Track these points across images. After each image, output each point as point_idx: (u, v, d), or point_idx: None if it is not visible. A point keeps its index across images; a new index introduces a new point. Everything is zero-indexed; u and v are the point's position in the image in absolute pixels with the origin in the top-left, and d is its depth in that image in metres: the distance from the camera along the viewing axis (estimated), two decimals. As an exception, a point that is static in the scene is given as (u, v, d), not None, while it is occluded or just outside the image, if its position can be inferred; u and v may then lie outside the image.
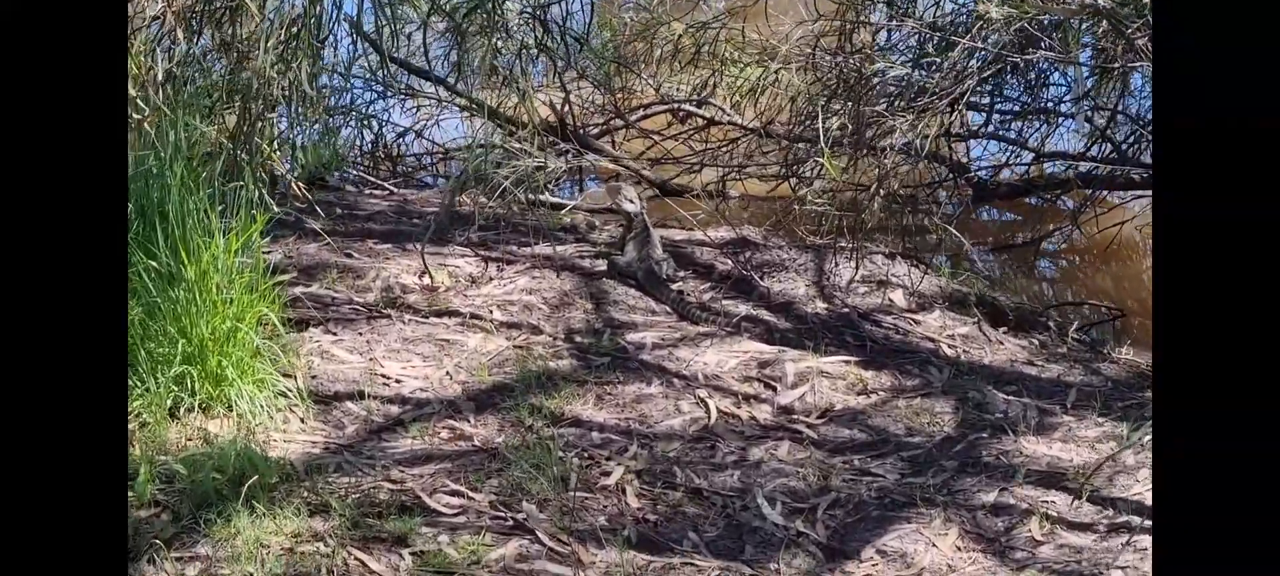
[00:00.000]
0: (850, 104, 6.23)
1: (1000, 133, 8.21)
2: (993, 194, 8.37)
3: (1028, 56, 6.32)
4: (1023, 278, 7.81)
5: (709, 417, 5.37)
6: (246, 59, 4.65)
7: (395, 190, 8.29)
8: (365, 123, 8.52)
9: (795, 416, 5.40)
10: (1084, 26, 6.66)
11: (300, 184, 5.34)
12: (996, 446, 5.17)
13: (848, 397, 5.56)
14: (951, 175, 7.79)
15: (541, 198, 7.37)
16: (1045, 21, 6.10)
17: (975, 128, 8.25)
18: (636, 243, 6.65)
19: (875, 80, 6.29)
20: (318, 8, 4.58)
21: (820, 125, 6.13)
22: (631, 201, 6.78)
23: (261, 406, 5.08)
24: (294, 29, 4.64)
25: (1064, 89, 7.90)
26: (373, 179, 8.40)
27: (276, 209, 5.56)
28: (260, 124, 5.02)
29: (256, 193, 5.29)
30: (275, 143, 5.29)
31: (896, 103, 6.23)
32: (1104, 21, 6.30)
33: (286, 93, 4.82)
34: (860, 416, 5.40)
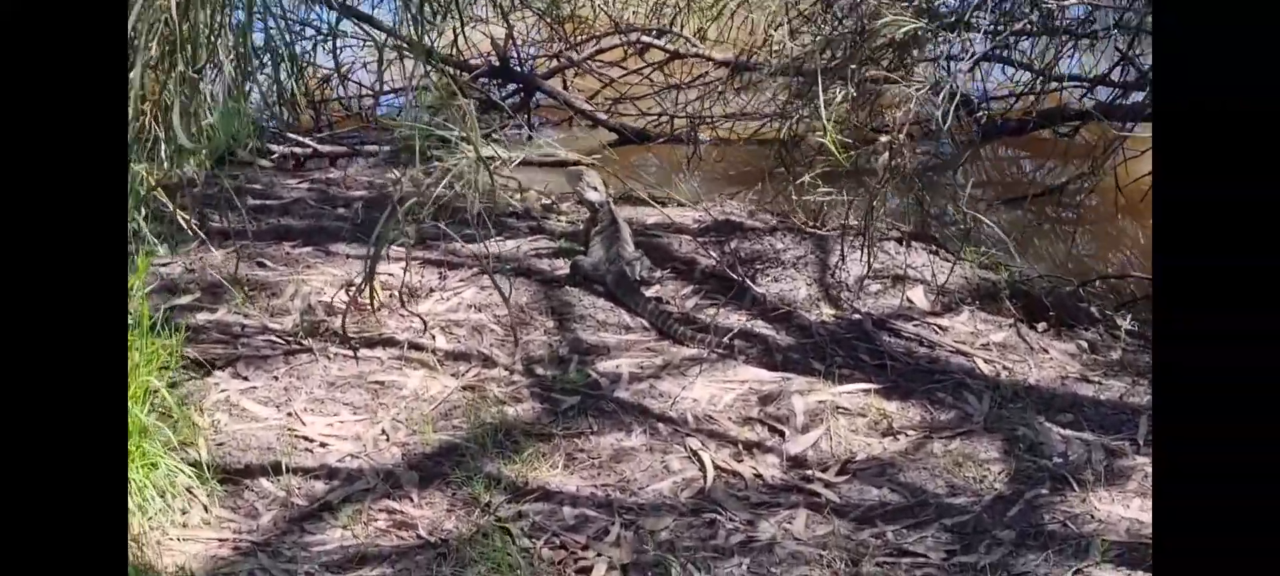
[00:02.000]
0: (852, 66, 5.17)
1: (1006, 55, 7.14)
2: (1001, 130, 7.36)
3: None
4: (1047, 237, 6.80)
5: (705, 478, 4.37)
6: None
7: (319, 148, 7.23)
8: (285, 63, 7.39)
9: (809, 472, 4.40)
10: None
11: (189, 219, 4.27)
12: (1061, 507, 4.20)
13: (870, 441, 4.57)
14: (955, 109, 6.70)
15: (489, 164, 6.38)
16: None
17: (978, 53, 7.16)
18: (603, 239, 5.60)
19: (881, 37, 5.24)
20: (191, 19, 3.53)
21: (819, 93, 5.06)
22: (595, 189, 5.72)
23: (153, 497, 4.06)
24: (167, 48, 3.59)
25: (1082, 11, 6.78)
26: (294, 137, 7.33)
27: (160, 248, 4.50)
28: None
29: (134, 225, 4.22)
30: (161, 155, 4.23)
31: (906, 60, 5.22)
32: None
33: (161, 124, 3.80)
34: (889, 469, 4.41)
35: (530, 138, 8.10)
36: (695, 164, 7.32)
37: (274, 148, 7.16)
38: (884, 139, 5.21)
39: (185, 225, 4.30)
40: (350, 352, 4.98)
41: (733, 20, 7.79)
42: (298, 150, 7.39)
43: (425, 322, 5.17)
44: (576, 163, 7.55)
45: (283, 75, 6.60)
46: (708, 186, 7.12)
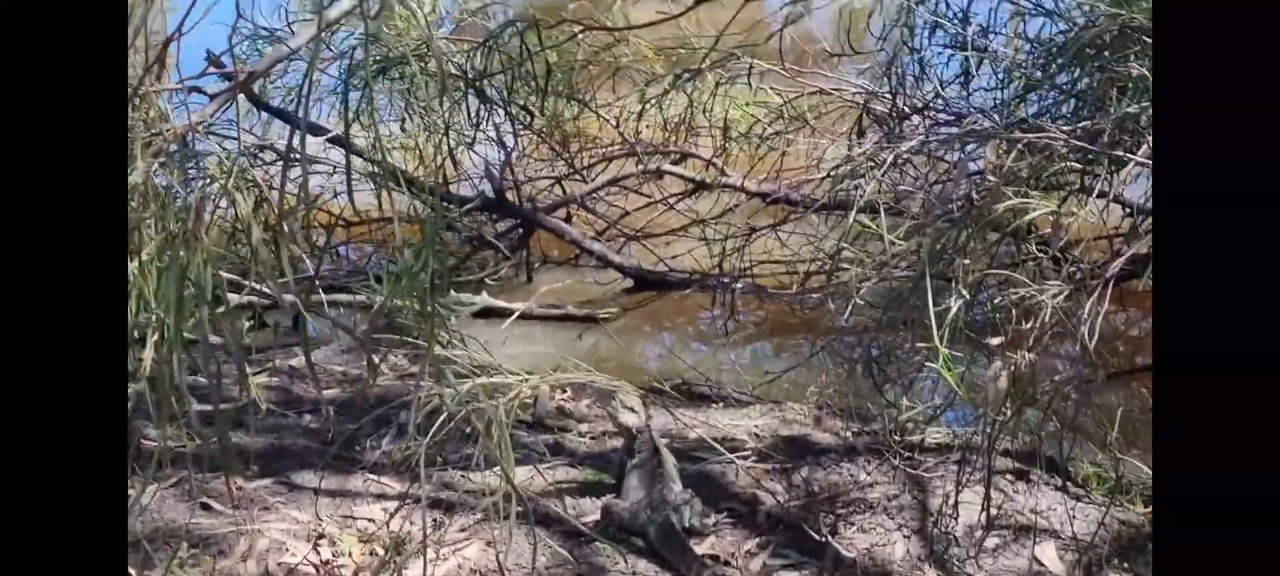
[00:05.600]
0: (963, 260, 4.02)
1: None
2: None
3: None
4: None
5: None
6: None
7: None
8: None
9: None
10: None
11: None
12: None
13: None
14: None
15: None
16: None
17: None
18: (643, 475, 4.41)
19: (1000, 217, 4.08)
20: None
21: (929, 297, 3.90)
22: (632, 411, 4.53)
23: None
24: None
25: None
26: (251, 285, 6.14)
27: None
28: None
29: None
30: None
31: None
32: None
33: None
34: None
35: (528, 280, 6.93)
36: (734, 328, 6.18)
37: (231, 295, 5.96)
38: (998, 343, 4.04)
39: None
40: (318, 648, 3.80)
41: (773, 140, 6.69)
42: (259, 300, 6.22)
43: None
44: (585, 317, 6.42)
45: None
46: (746, 343, 6.01)
